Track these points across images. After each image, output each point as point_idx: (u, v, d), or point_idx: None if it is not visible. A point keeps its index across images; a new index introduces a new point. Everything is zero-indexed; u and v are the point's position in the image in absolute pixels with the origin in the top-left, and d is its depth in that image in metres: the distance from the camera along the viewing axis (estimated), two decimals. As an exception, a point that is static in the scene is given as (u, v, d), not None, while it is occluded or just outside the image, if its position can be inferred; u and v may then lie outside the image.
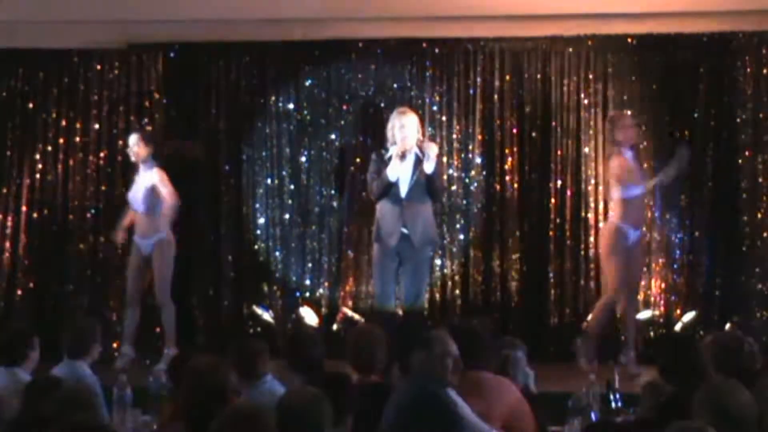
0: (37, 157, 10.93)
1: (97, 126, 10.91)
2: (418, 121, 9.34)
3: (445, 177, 9.64)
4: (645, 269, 10.29)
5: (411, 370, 5.73)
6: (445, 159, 10.56)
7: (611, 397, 6.32)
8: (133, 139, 10.09)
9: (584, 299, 10.44)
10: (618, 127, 9.68)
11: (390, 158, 9.15)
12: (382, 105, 10.40)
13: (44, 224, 10.91)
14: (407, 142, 9.16)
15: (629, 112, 9.99)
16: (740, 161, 10.40)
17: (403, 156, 9.14)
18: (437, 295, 10.64)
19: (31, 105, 10.98)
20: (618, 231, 9.57)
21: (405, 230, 9.21)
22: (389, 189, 9.23)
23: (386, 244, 9.25)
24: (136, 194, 10.02)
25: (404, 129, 9.21)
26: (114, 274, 10.69)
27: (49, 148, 10.92)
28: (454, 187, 10.66)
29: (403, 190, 9.19)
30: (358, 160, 10.61)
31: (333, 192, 10.79)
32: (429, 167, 9.10)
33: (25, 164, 10.93)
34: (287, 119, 10.86)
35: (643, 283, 10.23)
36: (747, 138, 10.39)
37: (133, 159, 10.06)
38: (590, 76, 10.61)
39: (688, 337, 8.75)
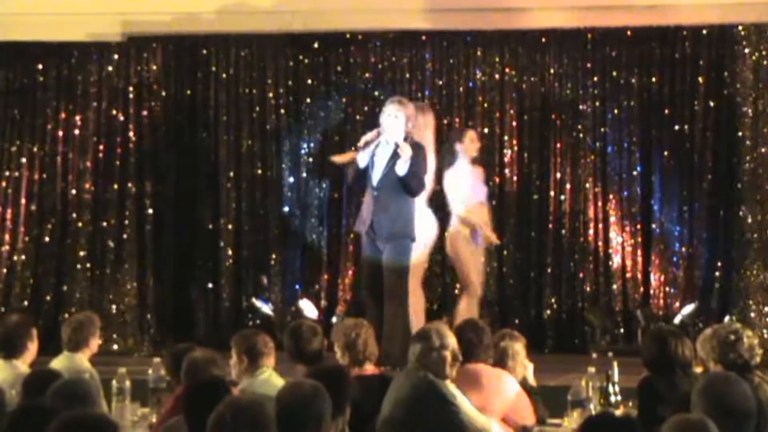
0: (36, 149, 10.93)
1: (96, 118, 10.91)
2: (409, 113, 9.20)
3: (430, 177, 9.42)
4: (640, 261, 10.45)
5: (409, 363, 5.74)
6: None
7: (610, 389, 6.32)
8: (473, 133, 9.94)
9: (582, 292, 10.45)
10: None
11: (377, 145, 9.00)
12: (381, 97, 10.38)
13: (43, 217, 10.90)
14: (388, 132, 8.97)
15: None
16: (740, 153, 10.40)
17: (365, 145, 8.95)
18: (437, 288, 10.65)
19: (30, 98, 10.97)
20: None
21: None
22: (360, 176, 9.06)
23: (361, 230, 9.11)
24: (481, 187, 9.83)
25: (389, 118, 9.02)
26: (112, 268, 10.72)
27: (48, 141, 10.92)
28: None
29: (375, 179, 8.98)
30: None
31: (332, 184, 10.78)
32: (401, 169, 8.90)
33: (24, 157, 10.92)
34: (286, 111, 10.85)
35: (640, 276, 10.33)
36: (747, 130, 10.39)
37: (474, 154, 9.78)
38: (589, 69, 10.61)
39: (669, 330, 8.76)
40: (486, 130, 10.69)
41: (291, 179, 10.77)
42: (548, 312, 10.48)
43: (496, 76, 10.72)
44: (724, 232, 10.45)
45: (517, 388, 6.19)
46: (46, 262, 10.89)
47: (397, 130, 8.90)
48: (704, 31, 10.49)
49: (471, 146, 9.64)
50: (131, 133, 10.85)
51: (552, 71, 10.65)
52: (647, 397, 5.82)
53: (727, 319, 9.94)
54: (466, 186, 9.55)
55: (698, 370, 6.14)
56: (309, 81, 10.84)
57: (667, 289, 10.44)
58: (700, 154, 10.47)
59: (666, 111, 10.53)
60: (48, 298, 10.80)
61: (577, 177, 10.53)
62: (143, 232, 10.85)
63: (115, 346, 10.32)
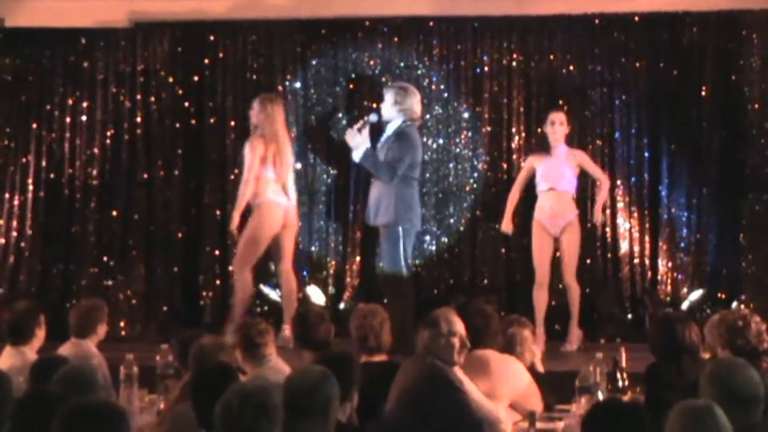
0: (44, 136, 10.93)
1: (103, 105, 10.90)
2: (400, 97, 9.15)
3: (405, 163, 9.26)
4: (648, 247, 10.52)
5: (417, 349, 5.74)
6: (450, 138, 10.59)
7: (618, 375, 6.32)
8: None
9: (591, 278, 10.43)
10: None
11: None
12: (389, 84, 10.36)
13: (51, 203, 10.91)
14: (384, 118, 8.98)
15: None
16: (748, 139, 10.38)
17: (357, 131, 8.98)
18: (445, 274, 10.66)
19: (37, 84, 10.96)
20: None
21: None
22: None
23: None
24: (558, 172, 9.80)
25: (381, 104, 9.06)
26: (120, 254, 10.74)
27: (56, 127, 10.92)
28: (461, 166, 10.66)
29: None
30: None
31: (340, 171, 10.76)
32: (355, 156, 8.90)
33: (31, 143, 10.92)
34: (294, 98, 10.84)
35: (648, 262, 10.35)
36: (754, 116, 10.36)
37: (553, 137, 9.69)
38: (597, 55, 10.59)
39: (676, 316, 8.77)
40: (493, 116, 10.68)
41: (298, 165, 10.75)
42: (556, 298, 10.46)
43: (504, 61, 10.70)
44: (732, 218, 10.43)
45: (524, 375, 6.19)
46: (54, 249, 10.89)
47: (386, 115, 8.95)
48: (712, 17, 10.46)
49: (550, 128, 9.67)
50: (139, 119, 10.85)
51: (559, 57, 10.63)
52: (655, 383, 5.82)
53: (734, 304, 9.94)
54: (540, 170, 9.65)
55: (706, 355, 6.14)
56: (316, 67, 10.82)
57: (675, 275, 10.42)
58: (707, 140, 10.45)
59: (673, 97, 10.50)
60: (55, 284, 10.82)
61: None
62: (151, 218, 10.85)
63: (123, 333, 10.33)
